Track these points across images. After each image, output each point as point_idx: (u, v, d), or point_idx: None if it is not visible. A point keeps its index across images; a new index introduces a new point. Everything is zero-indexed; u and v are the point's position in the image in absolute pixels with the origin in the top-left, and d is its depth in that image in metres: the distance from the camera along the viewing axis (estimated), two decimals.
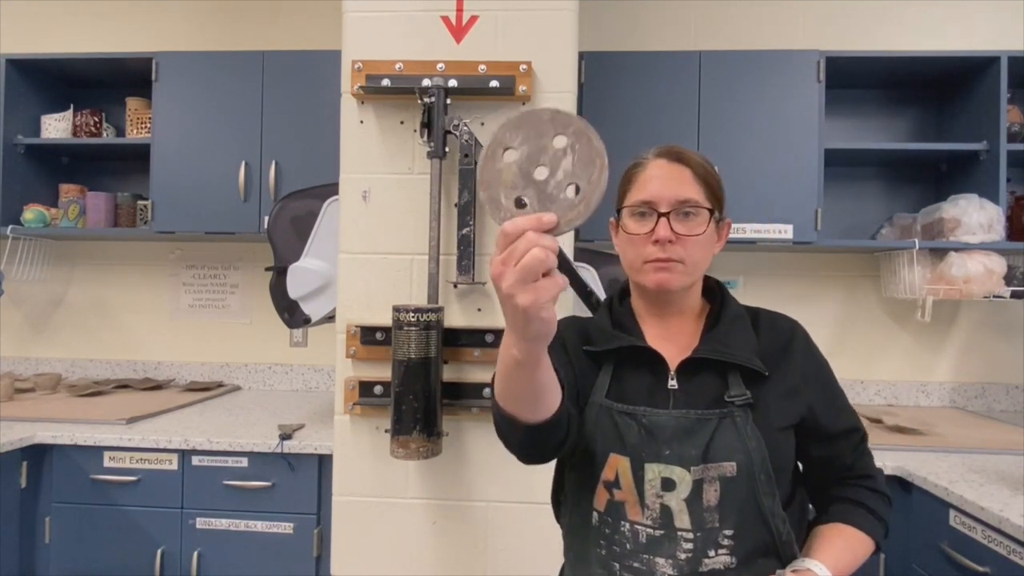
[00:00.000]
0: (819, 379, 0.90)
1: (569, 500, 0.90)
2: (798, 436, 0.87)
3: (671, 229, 0.84)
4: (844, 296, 2.42)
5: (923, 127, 2.38)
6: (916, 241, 2.08)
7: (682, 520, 0.81)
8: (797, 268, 2.42)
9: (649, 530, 0.82)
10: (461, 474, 1.45)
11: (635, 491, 0.82)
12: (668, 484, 0.81)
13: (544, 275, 0.55)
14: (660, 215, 0.84)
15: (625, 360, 0.89)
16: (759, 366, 0.85)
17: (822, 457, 0.90)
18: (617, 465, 0.84)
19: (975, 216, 2.00)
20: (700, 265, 0.88)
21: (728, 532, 0.80)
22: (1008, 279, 2.06)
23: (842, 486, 0.91)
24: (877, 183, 2.39)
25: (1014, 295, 2.03)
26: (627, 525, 0.83)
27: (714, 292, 0.95)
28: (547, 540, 1.42)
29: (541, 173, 0.60)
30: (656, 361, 0.88)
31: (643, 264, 0.86)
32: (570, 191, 0.59)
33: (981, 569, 1.29)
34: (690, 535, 0.80)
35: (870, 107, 2.38)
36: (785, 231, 2.05)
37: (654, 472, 0.82)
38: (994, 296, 2.03)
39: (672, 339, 0.91)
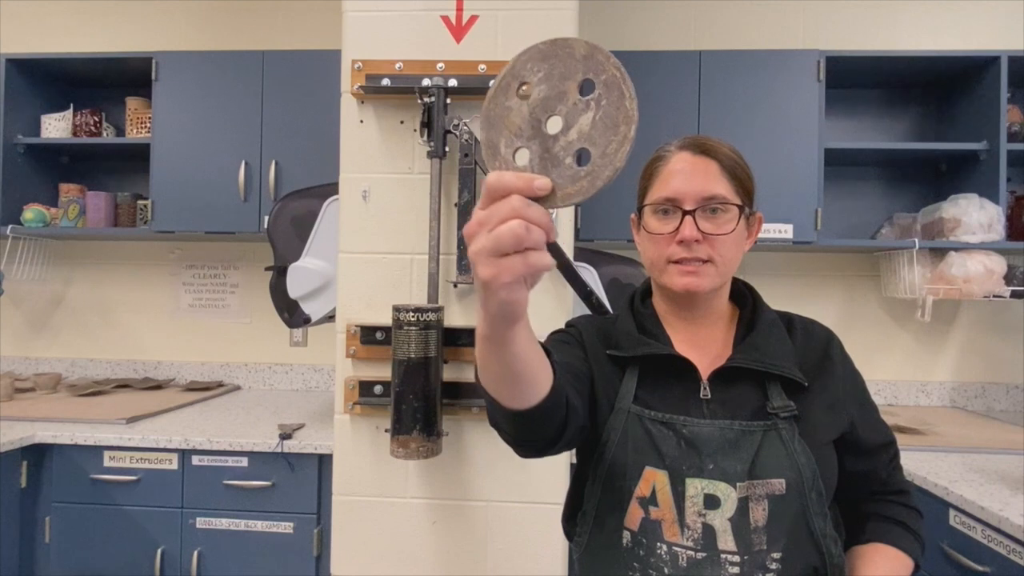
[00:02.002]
0: (857, 390, 0.86)
1: (591, 518, 0.82)
2: (835, 450, 0.82)
3: (697, 228, 0.78)
4: (844, 296, 2.42)
5: (923, 127, 2.38)
6: (916, 241, 2.07)
7: (726, 541, 0.74)
8: (797, 268, 2.42)
9: (690, 552, 0.75)
10: (461, 474, 1.45)
11: (674, 509, 0.76)
12: (712, 502, 0.75)
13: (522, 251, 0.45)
14: (685, 213, 0.78)
15: (651, 366, 0.83)
16: (800, 377, 0.80)
17: (857, 472, 0.84)
18: (653, 480, 0.77)
19: (975, 216, 2.00)
20: (730, 265, 0.81)
21: (776, 555, 0.74)
22: (1008, 279, 2.06)
23: (877, 503, 0.87)
24: (877, 183, 2.39)
25: (1014, 295, 2.03)
26: (664, 547, 0.76)
27: (743, 295, 0.90)
28: (547, 540, 1.42)
29: (554, 125, 0.48)
30: (686, 369, 0.82)
31: (667, 264, 0.81)
32: (579, 157, 0.47)
33: (981, 569, 1.29)
34: (736, 558, 0.74)
35: (870, 107, 2.38)
36: (785, 231, 2.05)
37: (696, 488, 0.75)
38: (994, 296, 2.03)
39: (702, 346, 0.85)
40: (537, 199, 0.46)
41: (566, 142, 0.47)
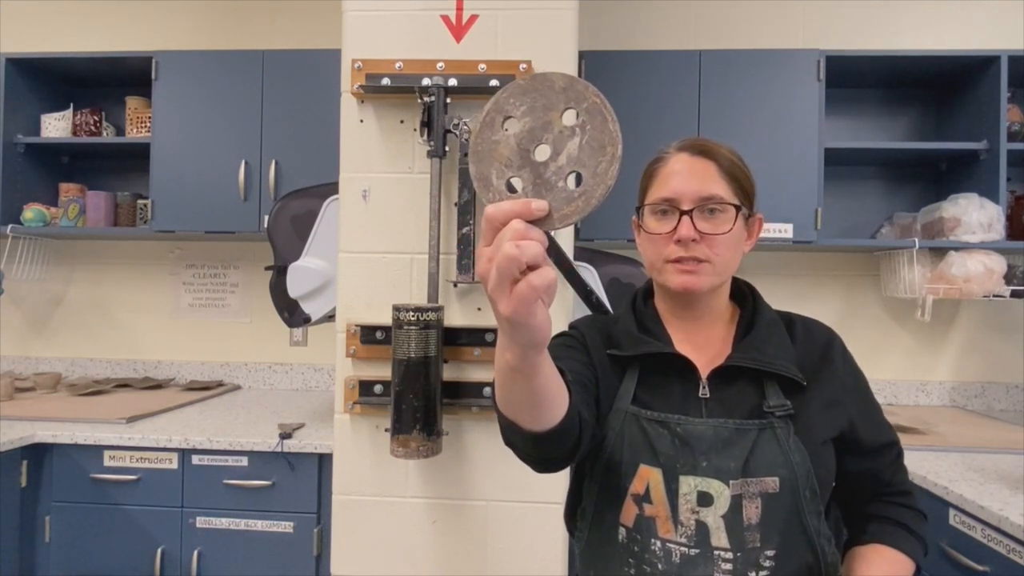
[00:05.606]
0: (858, 390, 0.85)
1: (590, 514, 0.84)
2: (835, 450, 0.82)
3: (694, 228, 0.78)
4: (844, 295, 2.42)
5: (923, 126, 2.37)
6: (916, 240, 2.08)
7: (719, 538, 0.75)
8: (797, 268, 2.42)
9: (683, 549, 0.76)
10: (461, 473, 1.45)
11: (668, 506, 0.76)
12: (705, 499, 0.76)
13: (526, 271, 0.46)
14: (682, 213, 0.79)
15: (652, 366, 0.84)
16: (798, 376, 0.80)
17: (858, 472, 0.84)
18: (648, 477, 0.78)
19: (975, 215, 2.00)
20: (728, 265, 0.82)
21: (770, 552, 0.75)
22: (1008, 278, 2.06)
23: (879, 504, 0.86)
24: (877, 182, 2.39)
25: (1014, 294, 2.03)
26: (658, 543, 0.77)
27: (744, 295, 0.90)
28: (547, 539, 1.42)
29: (542, 153, 0.51)
30: (686, 368, 0.82)
31: (664, 263, 0.81)
32: (571, 180, 0.50)
33: (980, 568, 1.29)
34: (729, 555, 0.75)
35: (870, 106, 2.38)
36: (785, 230, 2.05)
37: (689, 485, 0.76)
38: (994, 295, 2.03)
39: (701, 345, 0.85)
40: (536, 222, 0.47)
41: (557, 167, 0.50)
